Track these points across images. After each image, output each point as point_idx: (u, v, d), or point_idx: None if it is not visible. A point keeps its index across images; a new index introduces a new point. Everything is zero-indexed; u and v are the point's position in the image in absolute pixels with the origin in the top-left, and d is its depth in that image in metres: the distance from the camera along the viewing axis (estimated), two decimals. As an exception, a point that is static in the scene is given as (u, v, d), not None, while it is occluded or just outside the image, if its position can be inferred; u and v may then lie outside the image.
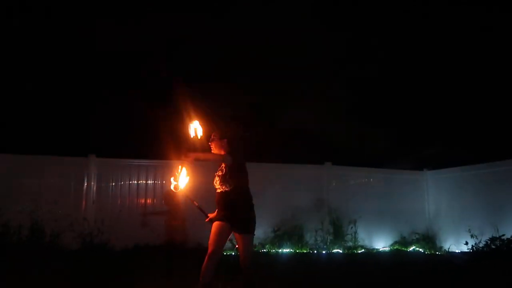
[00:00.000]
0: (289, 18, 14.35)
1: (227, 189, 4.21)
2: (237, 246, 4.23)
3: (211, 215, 4.34)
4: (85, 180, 8.56)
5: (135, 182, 8.87)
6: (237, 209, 4.18)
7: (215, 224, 4.15)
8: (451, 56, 14.62)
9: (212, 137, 4.43)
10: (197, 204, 4.33)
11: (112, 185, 8.76)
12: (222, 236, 4.12)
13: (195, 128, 4.37)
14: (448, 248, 9.37)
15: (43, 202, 7.89)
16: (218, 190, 4.25)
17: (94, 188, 8.60)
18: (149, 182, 8.93)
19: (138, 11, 13.56)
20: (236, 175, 4.24)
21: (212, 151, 4.40)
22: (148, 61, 13.35)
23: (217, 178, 4.29)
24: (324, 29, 14.32)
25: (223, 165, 4.29)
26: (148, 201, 8.85)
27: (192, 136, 4.36)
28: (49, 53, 13.07)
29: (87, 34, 13.06)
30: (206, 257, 4.01)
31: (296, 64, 14.38)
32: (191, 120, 4.40)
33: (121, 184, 8.80)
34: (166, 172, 8.93)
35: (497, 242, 8.16)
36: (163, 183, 8.95)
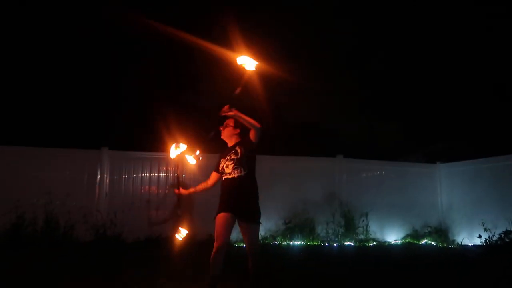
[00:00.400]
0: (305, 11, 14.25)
1: (241, 174, 4.17)
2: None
3: (183, 191, 4.41)
4: (98, 173, 8.64)
5: (147, 174, 8.93)
6: (249, 197, 4.17)
7: (221, 216, 4.08)
8: (463, 48, 14.42)
9: (225, 123, 4.41)
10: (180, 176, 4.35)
11: (124, 177, 8.83)
12: (229, 228, 4.08)
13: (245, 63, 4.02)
14: (461, 242, 9.30)
15: (57, 195, 7.98)
16: (230, 176, 4.18)
17: (107, 181, 8.68)
18: (161, 174, 8.98)
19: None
20: (252, 158, 4.24)
21: (222, 137, 4.41)
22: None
23: (228, 163, 4.22)
24: (337, 21, 14.22)
25: (237, 148, 4.25)
26: (160, 193, 8.89)
27: (247, 68, 4.02)
28: (63, 46, 13.17)
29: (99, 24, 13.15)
30: (214, 250, 3.99)
31: (308, 56, 14.31)
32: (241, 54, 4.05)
33: (133, 177, 8.87)
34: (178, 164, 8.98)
35: (511, 235, 8.08)
36: (175, 175, 9.00)
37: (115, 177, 8.77)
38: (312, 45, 14.41)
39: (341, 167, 9.84)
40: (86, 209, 8.13)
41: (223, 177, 4.26)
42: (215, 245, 4.00)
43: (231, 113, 4.09)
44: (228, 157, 4.24)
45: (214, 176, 4.41)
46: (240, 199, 4.12)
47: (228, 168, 4.20)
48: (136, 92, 13.27)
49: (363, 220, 9.35)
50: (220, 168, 4.30)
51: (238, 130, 4.37)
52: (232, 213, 4.09)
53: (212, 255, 3.99)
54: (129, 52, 13.87)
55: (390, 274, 6.00)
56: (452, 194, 10.11)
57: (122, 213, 8.23)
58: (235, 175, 4.16)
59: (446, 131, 15.49)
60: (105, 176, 8.67)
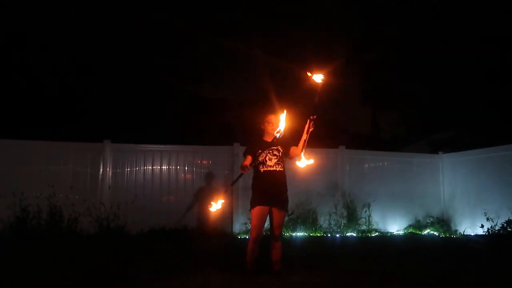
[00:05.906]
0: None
1: (282, 169, 4.64)
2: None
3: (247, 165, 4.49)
4: (101, 166, 8.66)
5: (150, 167, 8.95)
6: (285, 189, 4.65)
7: (259, 209, 4.47)
8: (465, 38, 14.33)
9: (272, 121, 4.72)
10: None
11: (127, 170, 8.85)
12: (265, 220, 4.54)
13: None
14: (464, 231, 9.31)
15: (60, 188, 8.04)
16: (271, 168, 4.56)
17: (110, 174, 8.70)
18: (163, 167, 8.99)
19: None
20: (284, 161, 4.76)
21: (269, 129, 4.72)
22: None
23: (271, 156, 4.59)
24: (339, 12, 14.16)
25: (279, 147, 4.65)
26: (163, 186, 8.92)
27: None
28: (66, 40, 13.16)
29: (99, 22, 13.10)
30: (252, 240, 4.44)
31: (307, 46, 14.26)
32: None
33: (136, 170, 8.89)
34: (180, 157, 9.00)
35: (514, 225, 8.08)
36: (177, 168, 9.02)
37: (118, 170, 8.79)
38: (314, 34, 14.36)
39: (343, 158, 9.82)
40: (89, 202, 8.17)
41: (263, 169, 4.59)
42: (253, 235, 4.46)
43: (310, 128, 4.54)
44: (270, 152, 4.62)
45: (251, 159, 4.63)
46: (278, 190, 4.56)
47: (271, 161, 4.58)
48: (138, 84, 13.26)
49: (366, 211, 9.38)
50: (260, 158, 4.60)
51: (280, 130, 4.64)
52: (268, 205, 4.50)
53: (249, 244, 4.45)
54: (131, 44, 13.84)
55: (393, 263, 6.01)
56: (454, 184, 10.11)
57: (125, 206, 8.27)
58: (277, 169, 4.59)
59: (448, 121, 15.47)
60: (108, 169, 8.69)
